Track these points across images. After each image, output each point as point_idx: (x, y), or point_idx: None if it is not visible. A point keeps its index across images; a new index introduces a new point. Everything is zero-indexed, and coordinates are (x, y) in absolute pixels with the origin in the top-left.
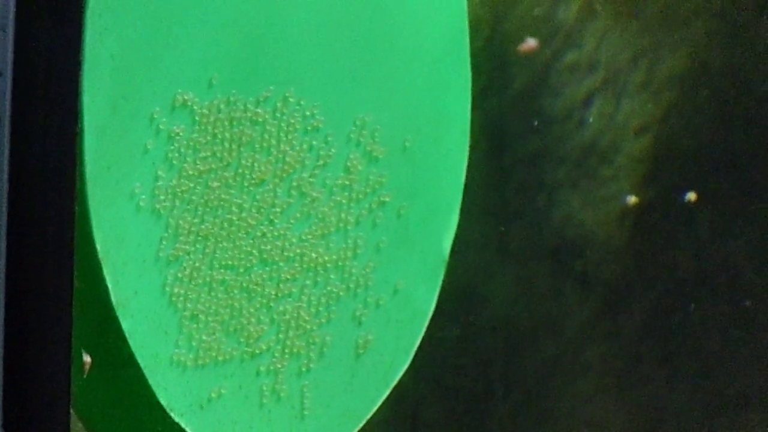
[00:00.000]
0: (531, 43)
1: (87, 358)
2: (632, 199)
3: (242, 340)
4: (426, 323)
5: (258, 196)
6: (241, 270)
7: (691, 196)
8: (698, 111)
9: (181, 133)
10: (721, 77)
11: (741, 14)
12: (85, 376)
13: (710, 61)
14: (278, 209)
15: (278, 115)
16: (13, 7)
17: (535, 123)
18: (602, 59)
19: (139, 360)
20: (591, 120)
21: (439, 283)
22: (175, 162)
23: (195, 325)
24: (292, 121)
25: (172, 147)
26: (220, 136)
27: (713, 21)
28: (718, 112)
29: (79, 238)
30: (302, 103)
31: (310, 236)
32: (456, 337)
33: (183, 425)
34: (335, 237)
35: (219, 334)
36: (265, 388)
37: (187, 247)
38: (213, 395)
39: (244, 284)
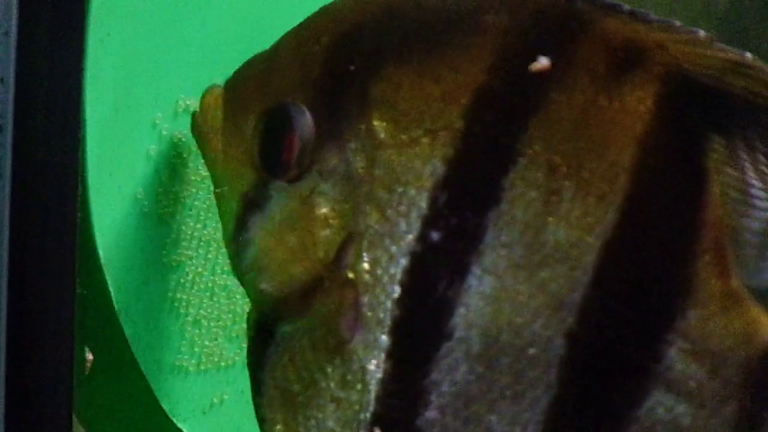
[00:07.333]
0: (543, 62)
1: (89, 356)
2: None
3: (244, 345)
4: None
5: None
6: None
7: None
8: None
9: (183, 139)
10: None
11: (744, 18)
12: (86, 374)
13: None
14: None
15: None
16: (15, 13)
17: None
18: None
19: (142, 365)
20: None
21: None
22: (177, 168)
23: (197, 331)
24: None
25: (174, 153)
26: None
27: (716, 24)
28: None
29: (81, 244)
30: None
31: None
32: None
33: (185, 431)
34: None
35: (221, 340)
36: None
37: (190, 252)
38: (215, 401)
39: None
